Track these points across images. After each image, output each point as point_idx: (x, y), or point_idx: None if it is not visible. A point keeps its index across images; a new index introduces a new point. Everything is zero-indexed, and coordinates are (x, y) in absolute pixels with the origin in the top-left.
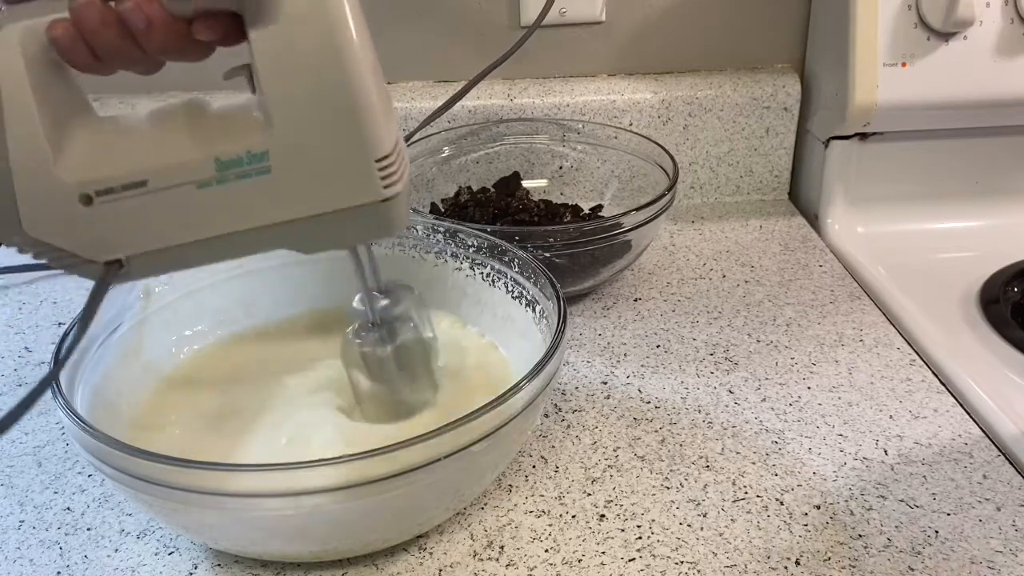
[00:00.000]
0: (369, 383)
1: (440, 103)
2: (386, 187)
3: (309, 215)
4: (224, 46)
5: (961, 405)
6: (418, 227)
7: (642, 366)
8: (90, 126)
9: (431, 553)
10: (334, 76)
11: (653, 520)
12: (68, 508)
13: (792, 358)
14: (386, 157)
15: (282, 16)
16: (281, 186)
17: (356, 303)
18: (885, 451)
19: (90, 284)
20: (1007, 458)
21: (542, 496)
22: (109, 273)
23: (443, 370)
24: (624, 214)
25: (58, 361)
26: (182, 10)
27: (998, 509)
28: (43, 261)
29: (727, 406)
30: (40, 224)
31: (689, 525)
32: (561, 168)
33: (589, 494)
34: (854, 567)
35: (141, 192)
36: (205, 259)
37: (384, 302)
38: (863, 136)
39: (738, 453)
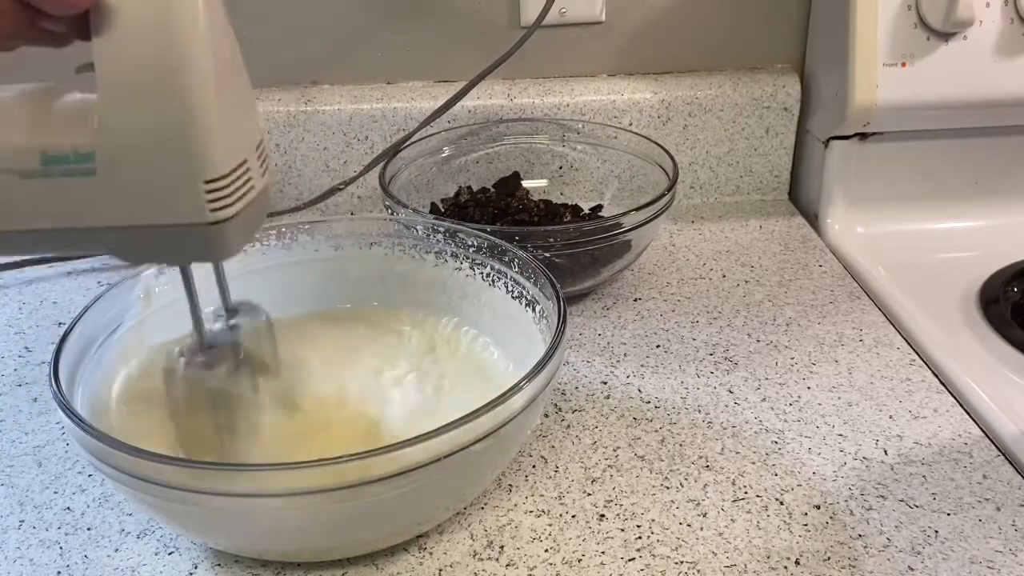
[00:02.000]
0: (183, 413)
1: (440, 103)
2: (214, 210)
3: (131, 225)
4: (79, 39)
5: (961, 405)
6: (418, 227)
7: (642, 366)
8: None
9: (431, 553)
10: (169, 90)
11: (653, 520)
12: (68, 508)
13: (792, 358)
14: (218, 179)
15: (126, 19)
16: (105, 191)
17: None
18: (885, 451)
19: (92, 284)
20: (1007, 458)
21: (542, 496)
22: None
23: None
24: (624, 214)
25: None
26: None
27: (998, 509)
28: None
29: (727, 406)
30: None
31: (689, 525)
32: (561, 168)
33: (589, 494)
34: (854, 567)
35: None
36: (22, 250)
37: (220, 325)
38: (863, 136)
39: (738, 453)
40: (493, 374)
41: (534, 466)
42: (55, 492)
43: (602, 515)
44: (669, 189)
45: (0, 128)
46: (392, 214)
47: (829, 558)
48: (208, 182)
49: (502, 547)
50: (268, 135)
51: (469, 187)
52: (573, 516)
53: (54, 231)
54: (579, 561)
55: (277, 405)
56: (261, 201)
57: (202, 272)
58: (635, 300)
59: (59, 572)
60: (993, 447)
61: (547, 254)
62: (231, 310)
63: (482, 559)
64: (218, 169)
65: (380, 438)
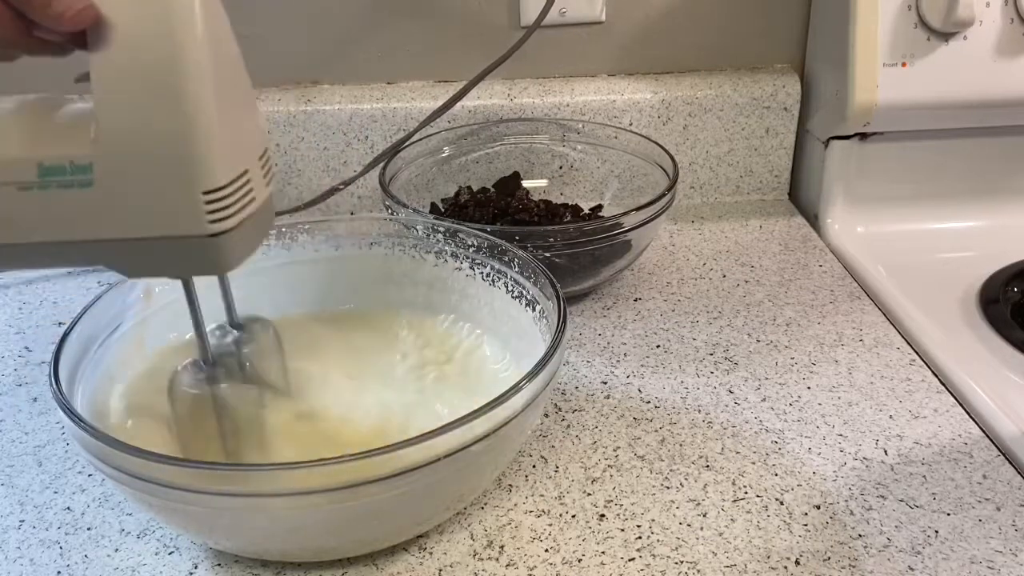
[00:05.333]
0: (192, 425)
1: (440, 103)
2: (212, 222)
3: (129, 237)
4: (78, 49)
5: (961, 405)
6: (418, 227)
7: (642, 366)
8: None
9: (431, 553)
10: (166, 103)
11: (653, 520)
12: (68, 508)
13: (792, 358)
14: (217, 191)
15: (124, 32)
16: (103, 203)
17: (208, 333)
18: (885, 451)
19: (92, 284)
20: (1007, 458)
21: (542, 496)
22: None
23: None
24: (624, 214)
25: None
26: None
27: (998, 509)
28: None
29: (727, 406)
30: None
31: (689, 525)
32: (561, 168)
33: (589, 494)
34: (854, 567)
35: None
36: (23, 263)
37: (227, 339)
38: (863, 136)
39: (738, 453)
40: (493, 373)
41: (534, 466)
42: (55, 492)
43: (602, 515)
44: (669, 189)
45: (1, 139)
46: (392, 214)
47: (829, 558)
48: (207, 193)
49: (502, 547)
50: (268, 135)
51: (469, 187)
52: (573, 516)
53: (51, 244)
54: (579, 561)
55: (283, 418)
56: (264, 212)
57: (204, 284)
58: (635, 300)
59: (59, 572)
60: (993, 447)
61: (547, 254)
62: (236, 325)
63: (482, 559)
64: (217, 180)
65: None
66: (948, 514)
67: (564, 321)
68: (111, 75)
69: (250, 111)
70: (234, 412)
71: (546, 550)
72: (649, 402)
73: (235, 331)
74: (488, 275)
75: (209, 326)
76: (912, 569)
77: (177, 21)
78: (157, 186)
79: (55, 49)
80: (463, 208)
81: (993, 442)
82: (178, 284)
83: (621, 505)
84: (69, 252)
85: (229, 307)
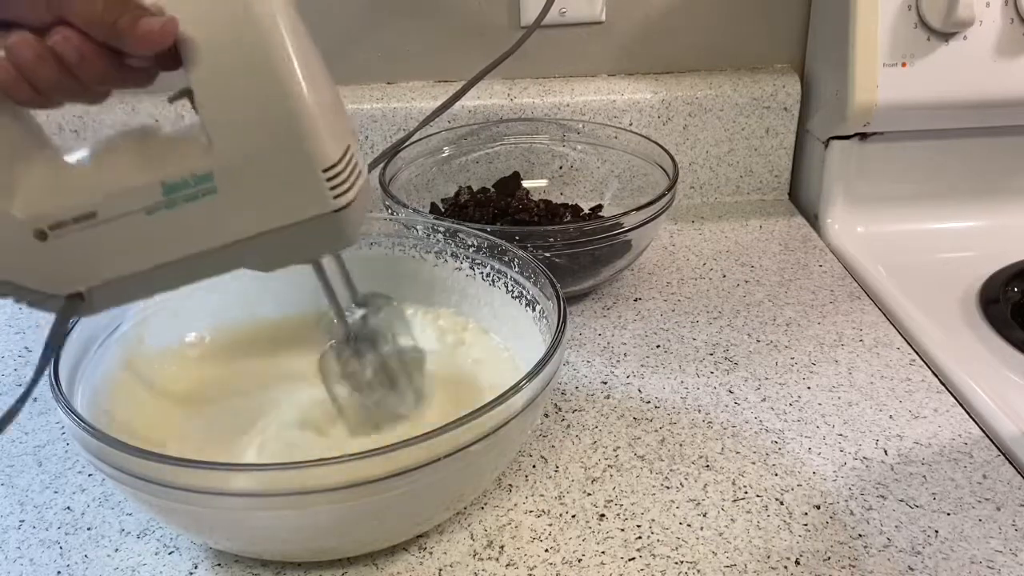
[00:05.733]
0: (348, 398)
1: (440, 103)
2: (336, 197)
3: (261, 231)
4: (164, 71)
5: (961, 405)
6: (418, 227)
7: (642, 366)
8: (44, 160)
9: (431, 553)
10: (269, 95)
11: (653, 520)
12: (68, 508)
13: (792, 358)
14: (333, 167)
15: (208, 32)
16: (229, 205)
17: (331, 316)
18: (885, 451)
19: None
20: (1007, 458)
21: (542, 496)
22: (70, 306)
23: (430, 378)
24: (624, 214)
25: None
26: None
27: (998, 509)
28: (9, 298)
29: (727, 406)
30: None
31: (689, 525)
32: (561, 168)
33: (589, 494)
34: (854, 567)
35: (92, 223)
36: (165, 285)
37: (359, 315)
38: (863, 136)
39: (738, 453)
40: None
41: (534, 466)
42: (55, 492)
43: (602, 515)
44: (669, 189)
45: (116, 172)
46: (392, 214)
47: (829, 558)
48: (326, 170)
49: (502, 547)
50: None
51: (469, 187)
52: (573, 516)
53: (188, 258)
54: (579, 561)
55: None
56: (367, 184)
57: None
58: (635, 300)
59: (59, 572)
60: (993, 447)
61: (547, 254)
62: (361, 302)
63: (482, 559)
64: (330, 158)
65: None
66: (948, 514)
67: (564, 321)
68: (211, 84)
69: (335, 93)
70: (390, 375)
71: (546, 550)
72: (649, 402)
73: (359, 306)
74: (488, 275)
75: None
76: (912, 569)
77: (257, 16)
78: (278, 175)
79: (143, 78)
80: (463, 208)
81: (993, 442)
82: None
83: (621, 505)
84: (204, 262)
85: (351, 286)
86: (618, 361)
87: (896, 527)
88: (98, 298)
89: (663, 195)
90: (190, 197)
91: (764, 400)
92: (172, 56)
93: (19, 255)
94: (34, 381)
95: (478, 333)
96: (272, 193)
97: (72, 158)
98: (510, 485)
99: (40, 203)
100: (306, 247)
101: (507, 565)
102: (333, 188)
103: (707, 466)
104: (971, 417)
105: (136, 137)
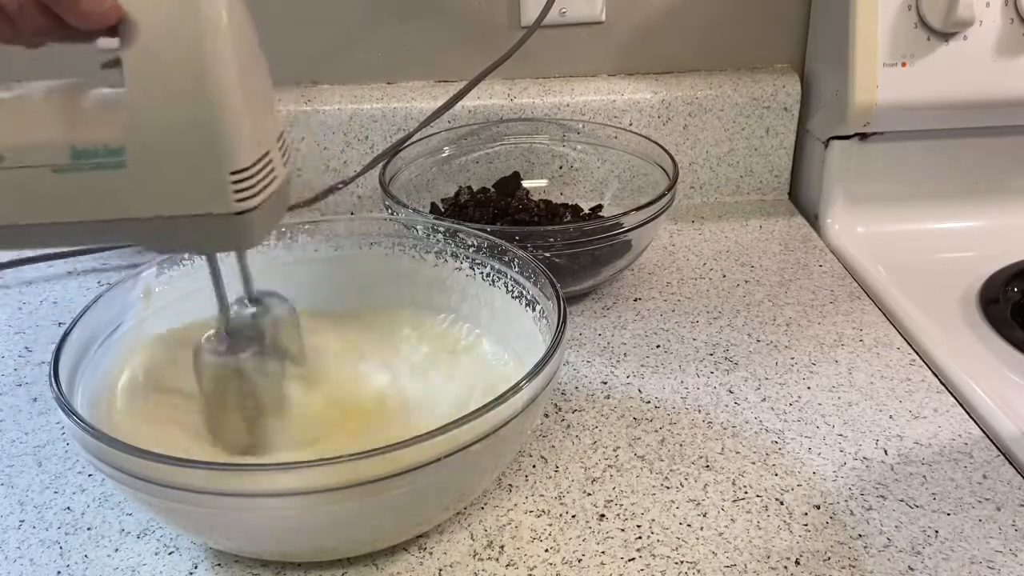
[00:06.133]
0: (215, 396)
1: (440, 103)
2: (239, 200)
3: (159, 215)
4: (104, 36)
5: (961, 405)
6: (418, 227)
7: (642, 366)
8: None
9: (431, 553)
10: (195, 82)
11: (653, 520)
12: (68, 508)
13: (792, 358)
14: (244, 170)
15: (152, 23)
16: (134, 183)
17: (220, 311)
18: (885, 451)
19: (92, 284)
20: (1007, 458)
21: (542, 496)
22: None
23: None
24: (624, 214)
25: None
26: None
27: (998, 509)
28: None
29: (727, 406)
30: None
31: (689, 525)
32: (561, 168)
33: (589, 494)
34: (854, 567)
35: None
36: (56, 242)
37: (245, 312)
38: (863, 136)
39: (738, 453)
40: (493, 372)
41: (534, 466)
42: (55, 492)
43: (602, 515)
44: (669, 189)
45: (30, 124)
46: (392, 214)
47: (829, 558)
48: (234, 173)
49: (502, 547)
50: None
51: (469, 187)
52: (573, 516)
53: (81, 223)
54: (579, 561)
55: (301, 389)
56: (283, 192)
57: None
58: (635, 300)
59: (59, 572)
60: (993, 447)
61: (547, 254)
62: (255, 299)
63: (482, 559)
64: (243, 161)
65: (408, 419)
66: (948, 514)
67: (564, 321)
68: (141, 67)
69: (268, 95)
70: (256, 381)
71: (546, 550)
72: (649, 402)
73: (253, 304)
74: (488, 275)
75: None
76: (912, 569)
77: (203, 14)
78: (186, 168)
79: (81, 37)
80: (463, 208)
81: (993, 442)
82: (177, 285)
83: (621, 505)
84: (99, 230)
85: (247, 282)
86: (618, 361)
87: (896, 527)
88: None
89: (663, 195)
90: (97, 166)
91: (764, 400)
92: (111, 28)
93: None
94: None
95: (465, 351)
96: (177, 181)
97: (2, 98)
98: (510, 485)
99: None
100: (202, 240)
101: (507, 565)
102: (238, 192)
103: (707, 466)
104: (971, 417)
105: (66, 91)
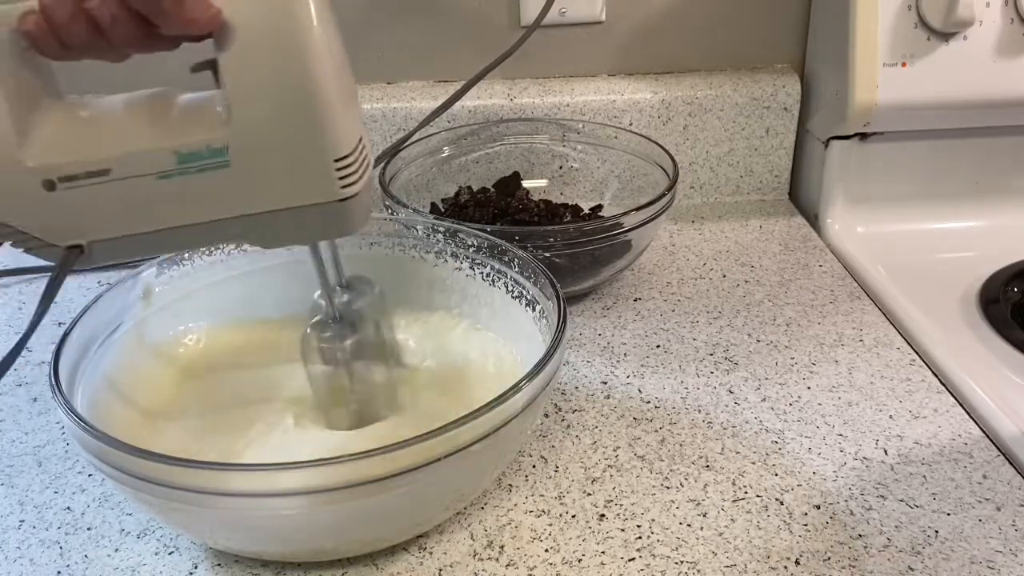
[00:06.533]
0: (327, 380)
1: (440, 103)
2: (344, 187)
3: (266, 210)
4: (191, 41)
5: (961, 405)
6: (418, 227)
7: (642, 366)
8: (60, 111)
9: (431, 553)
10: (295, 78)
11: (653, 520)
12: (68, 508)
13: (792, 358)
14: (345, 157)
15: (247, 21)
16: (239, 181)
17: (317, 297)
18: (885, 451)
19: (92, 285)
20: (1007, 458)
21: (542, 496)
22: (70, 257)
23: (414, 371)
24: (624, 214)
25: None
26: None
27: (998, 509)
28: (7, 242)
29: (727, 406)
30: (3, 206)
31: (689, 525)
32: (561, 168)
33: (589, 494)
34: (854, 567)
35: (103, 180)
36: (165, 248)
37: (345, 297)
38: (863, 136)
39: (738, 453)
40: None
41: (534, 466)
42: (55, 492)
43: (602, 515)
44: (669, 189)
45: (134, 134)
46: (392, 214)
47: (829, 558)
48: (337, 160)
49: (502, 547)
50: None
51: (469, 187)
52: (573, 516)
53: (190, 226)
54: (579, 561)
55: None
56: (372, 178)
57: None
58: (635, 300)
59: (59, 572)
60: (993, 447)
61: (547, 254)
62: (346, 285)
63: (482, 559)
64: (343, 148)
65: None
66: (948, 514)
67: (564, 321)
68: (240, 68)
69: (353, 86)
70: (365, 367)
71: (546, 550)
72: (649, 402)
73: (345, 290)
74: (488, 275)
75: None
76: (912, 569)
77: (295, 13)
78: (291, 159)
79: (169, 45)
80: (463, 208)
81: (993, 442)
82: (177, 286)
83: (621, 505)
84: (207, 231)
85: (339, 269)
86: (618, 361)
87: (896, 527)
88: (97, 252)
89: (663, 195)
90: (202, 168)
91: (764, 400)
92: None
93: (25, 202)
94: (30, 330)
95: (470, 331)
96: (283, 175)
97: (89, 113)
98: (510, 485)
99: (53, 154)
100: (307, 230)
101: (507, 565)
102: (342, 178)
103: (707, 466)
104: (971, 417)
105: (155, 100)
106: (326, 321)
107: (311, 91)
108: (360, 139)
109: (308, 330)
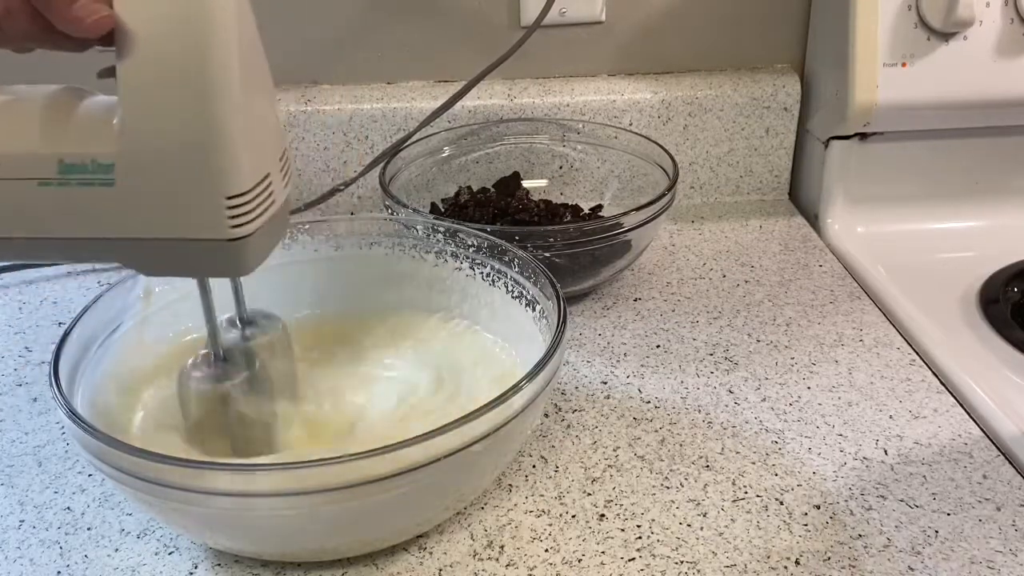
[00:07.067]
0: (196, 420)
1: (440, 103)
2: (234, 227)
3: (147, 237)
4: (99, 45)
5: (961, 405)
6: (418, 227)
7: (642, 366)
8: None
9: (431, 553)
10: (195, 106)
11: (653, 520)
12: (68, 508)
13: (792, 358)
14: (240, 195)
15: (150, 30)
16: (123, 202)
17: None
18: (885, 451)
19: (92, 285)
20: (1007, 458)
21: (542, 496)
22: None
23: (301, 411)
24: (624, 214)
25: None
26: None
27: (998, 509)
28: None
29: (727, 406)
30: None
31: (689, 525)
32: (561, 168)
33: (589, 494)
34: (854, 567)
35: None
36: (42, 256)
37: (235, 334)
38: (863, 136)
39: (738, 453)
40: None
41: (534, 466)
42: (55, 492)
43: (602, 515)
44: (669, 189)
45: (17, 133)
46: (392, 214)
47: (829, 558)
48: (230, 198)
49: (502, 547)
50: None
51: (469, 187)
52: (573, 516)
53: (68, 240)
54: (579, 561)
55: (289, 418)
56: (281, 213)
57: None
58: (635, 300)
59: (59, 572)
60: (993, 447)
61: (547, 254)
62: (246, 320)
63: (482, 559)
64: (241, 185)
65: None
66: (948, 514)
67: (564, 321)
68: (137, 81)
69: (271, 112)
70: (243, 409)
71: (546, 550)
72: (649, 402)
73: (244, 326)
74: (488, 275)
75: (220, 318)
76: (912, 569)
77: (205, 29)
78: (180, 189)
79: (74, 45)
80: (463, 208)
81: (993, 442)
82: (177, 286)
83: (621, 505)
84: (85, 248)
85: (239, 302)
86: (618, 361)
87: (896, 527)
88: None
89: (663, 195)
90: (85, 182)
91: (764, 400)
92: (105, 37)
93: None
94: None
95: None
96: (169, 203)
97: None
98: (510, 485)
99: None
100: (192, 265)
101: (507, 565)
102: (233, 217)
103: (707, 466)
104: (971, 417)
105: (56, 99)
106: (208, 358)
107: (210, 119)
108: (266, 176)
109: (187, 365)
